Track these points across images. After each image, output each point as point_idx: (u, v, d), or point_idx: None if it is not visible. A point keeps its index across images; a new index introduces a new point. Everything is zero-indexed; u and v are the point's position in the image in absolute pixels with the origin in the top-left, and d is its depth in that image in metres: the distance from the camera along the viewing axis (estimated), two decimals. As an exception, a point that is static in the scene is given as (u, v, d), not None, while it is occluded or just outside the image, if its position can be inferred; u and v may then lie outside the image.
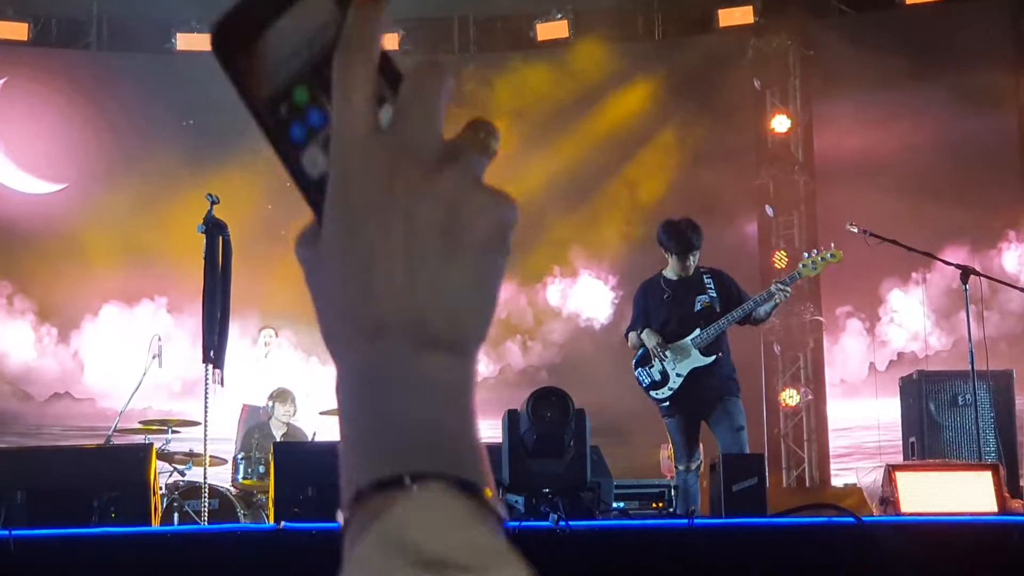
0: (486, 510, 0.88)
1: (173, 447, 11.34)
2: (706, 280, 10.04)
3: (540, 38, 17.31)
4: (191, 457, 11.14)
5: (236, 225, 9.15)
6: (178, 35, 17.09)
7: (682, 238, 9.98)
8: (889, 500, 8.20)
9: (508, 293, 17.13)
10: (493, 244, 0.92)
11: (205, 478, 9.34)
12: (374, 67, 0.91)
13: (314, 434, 12.23)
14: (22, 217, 16.74)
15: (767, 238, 17.16)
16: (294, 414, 12.33)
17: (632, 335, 10.20)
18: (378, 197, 0.90)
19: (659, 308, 10.06)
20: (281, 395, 12.39)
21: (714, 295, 9.97)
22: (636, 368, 10.05)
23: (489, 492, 0.89)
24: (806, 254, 10.56)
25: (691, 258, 9.97)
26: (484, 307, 0.93)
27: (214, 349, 8.91)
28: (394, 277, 0.90)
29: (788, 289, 9.97)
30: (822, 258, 10.27)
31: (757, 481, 8.01)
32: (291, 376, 13.41)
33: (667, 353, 9.86)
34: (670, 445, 10.18)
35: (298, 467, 8.30)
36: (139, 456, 8.79)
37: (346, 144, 0.91)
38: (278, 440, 11.75)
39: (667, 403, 9.93)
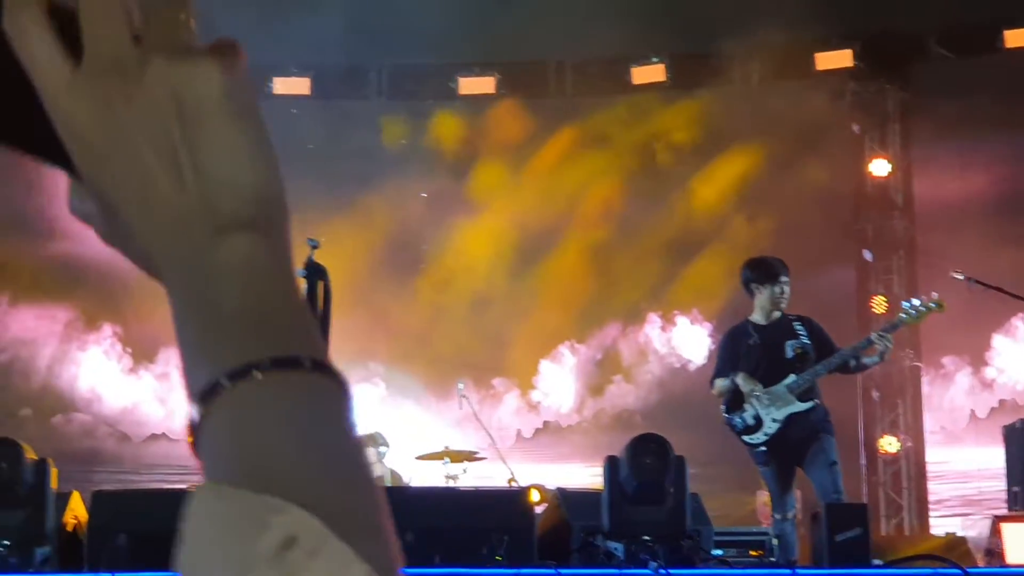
0: (320, 387, 0.87)
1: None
2: (796, 326, 9.87)
3: (635, 82, 17.27)
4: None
5: (337, 271, 9.20)
6: (275, 79, 17.24)
7: (768, 268, 9.91)
8: (995, 551, 8.07)
9: (603, 336, 17.11)
10: (232, 107, 0.89)
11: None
12: (43, 16, 0.89)
13: (410, 479, 12.20)
14: (119, 258, 16.91)
15: (865, 284, 16.99)
16: (384, 456, 12.29)
17: (718, 382, 9.99)
18: (106, 127, 0.89)
19: (747, 355, 9.86)
20: (368, 439, 12.36)
21: (807, 341, 9.80)
22: (727, 413, 9.89)
23: (316, 359, 0.87)
24: (905, 303, 10.32)
25: (779, 286, 9.81)
26: (263, 172, 0.91)
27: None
28: (163, 185, 0.89)
29: (890, 337, 9.75)
30: (925, 307, 9.97)
31: (861, 531, 7.90)
32: (374, 421, 13.26)
33: (764, 398, 9.70)
34: (766, 491, 10.06)
35: (395, 512, 8.27)
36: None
37: (53, 98, 0.89)
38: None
39: (763, 448, 9.76)
